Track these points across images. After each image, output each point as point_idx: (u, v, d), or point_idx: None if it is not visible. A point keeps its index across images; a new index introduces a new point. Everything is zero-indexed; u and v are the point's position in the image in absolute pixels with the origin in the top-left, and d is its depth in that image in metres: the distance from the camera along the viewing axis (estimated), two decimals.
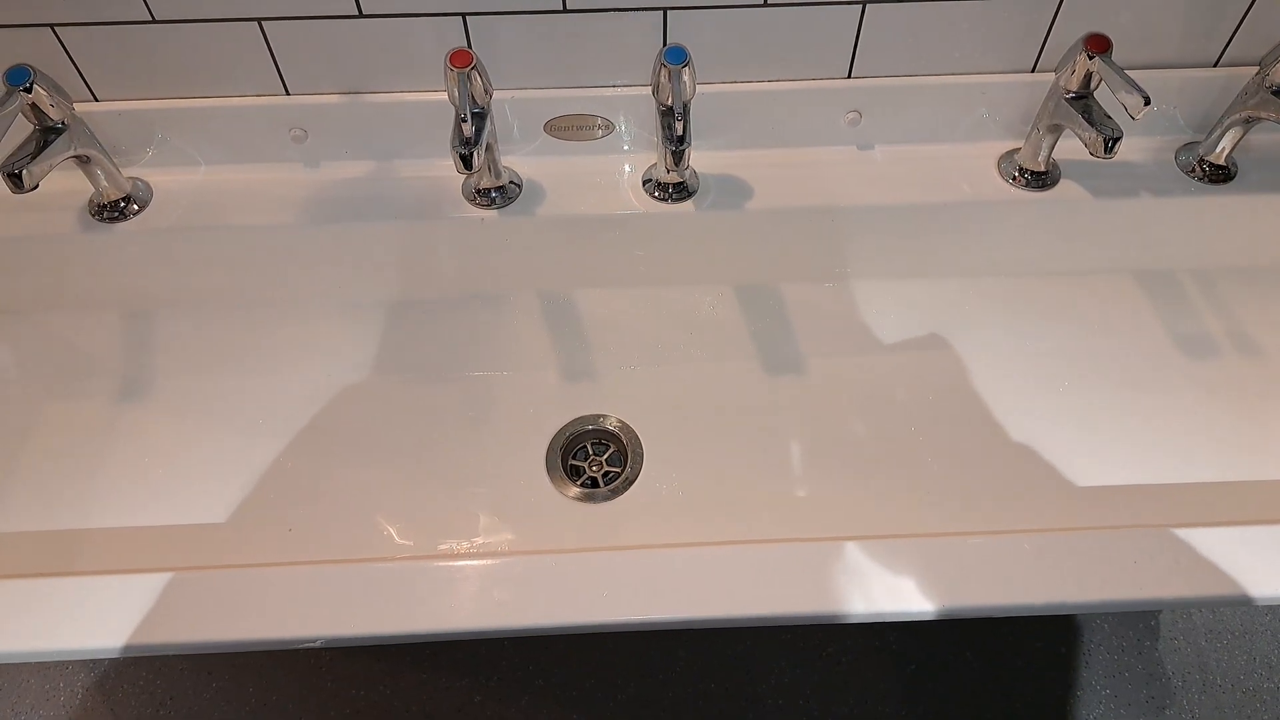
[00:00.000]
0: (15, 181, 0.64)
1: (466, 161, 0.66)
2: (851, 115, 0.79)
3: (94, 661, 1.30)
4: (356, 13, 0.70)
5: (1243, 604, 0.59)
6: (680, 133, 0.67)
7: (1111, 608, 0.59)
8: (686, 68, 0.67)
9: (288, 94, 0.75)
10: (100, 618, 0.56)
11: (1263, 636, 1.28)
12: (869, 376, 0.82)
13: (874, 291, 0.84)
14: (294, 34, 0.71)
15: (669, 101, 0.68)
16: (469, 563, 0.60)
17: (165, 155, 0.79)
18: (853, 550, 0.60)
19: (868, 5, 0.72)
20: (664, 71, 0.68)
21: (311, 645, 0.58)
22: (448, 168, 0.79)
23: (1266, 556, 0.59)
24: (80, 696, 1.27)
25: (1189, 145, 0.81)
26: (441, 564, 0.59)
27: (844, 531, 0.62)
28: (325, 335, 0.82)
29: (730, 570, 0.59)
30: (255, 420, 0.80)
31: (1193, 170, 0.80)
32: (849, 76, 0.77)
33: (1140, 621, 1.30)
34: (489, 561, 0.60)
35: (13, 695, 1.27)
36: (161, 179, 0.79)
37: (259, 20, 0.70)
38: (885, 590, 0.57)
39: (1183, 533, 0.60)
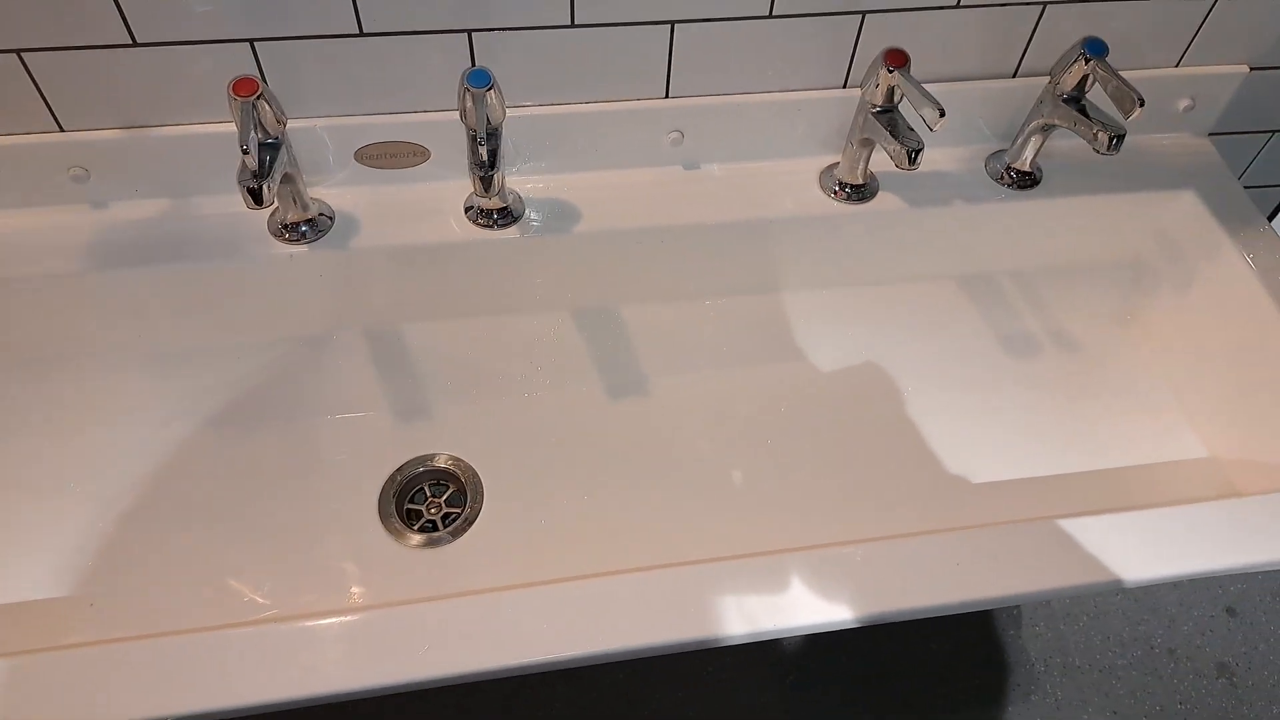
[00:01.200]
0: None
1: (255, 196, 0.61)
2: (674, 135, 0.78)
3: None
4: (130, 41, 0.65)
5: (1115, 590, 0.60)
6: (485, 158, 0.64)
7: (977, 606, 0.59)
8: (491, 90, 0.65)
9: (62, 130, 0.69)
10: None
11: (1114, 616, 1.34)
12: (711, 394, 0.82)
13: (707, 309, 0.84)
14: (62, 65, 0.65)
15: (474, 126, 0.66)
16: (302, 624, 0.56)
17: None
18: (711, 572, 0.59)
19: (676, 25, 0.71)
20: (468, 95, 0.65)
21: None
22: None
23: (1124, 541, 0.61)
24: None
25: (997, 154, 0.84)
26: (282, 626, 0.55)
27: (697, 554, 0.61)
28: (128, 390, 0.76)
29: (590, 604, 0.57)
30: (53, 486, 0.73)
31: (1001, 177, 0.82)
32: (667, 96, 0.77)
33: (1004, 611, 1.34)
34: (325, 621, 0.56)
35: None
36: None
37: (18, 51, 0.64)
38: (750, 609, 0.57)
39: (1045, 525, 0.61)
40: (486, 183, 0.64)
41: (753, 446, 0.79)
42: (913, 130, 0.70)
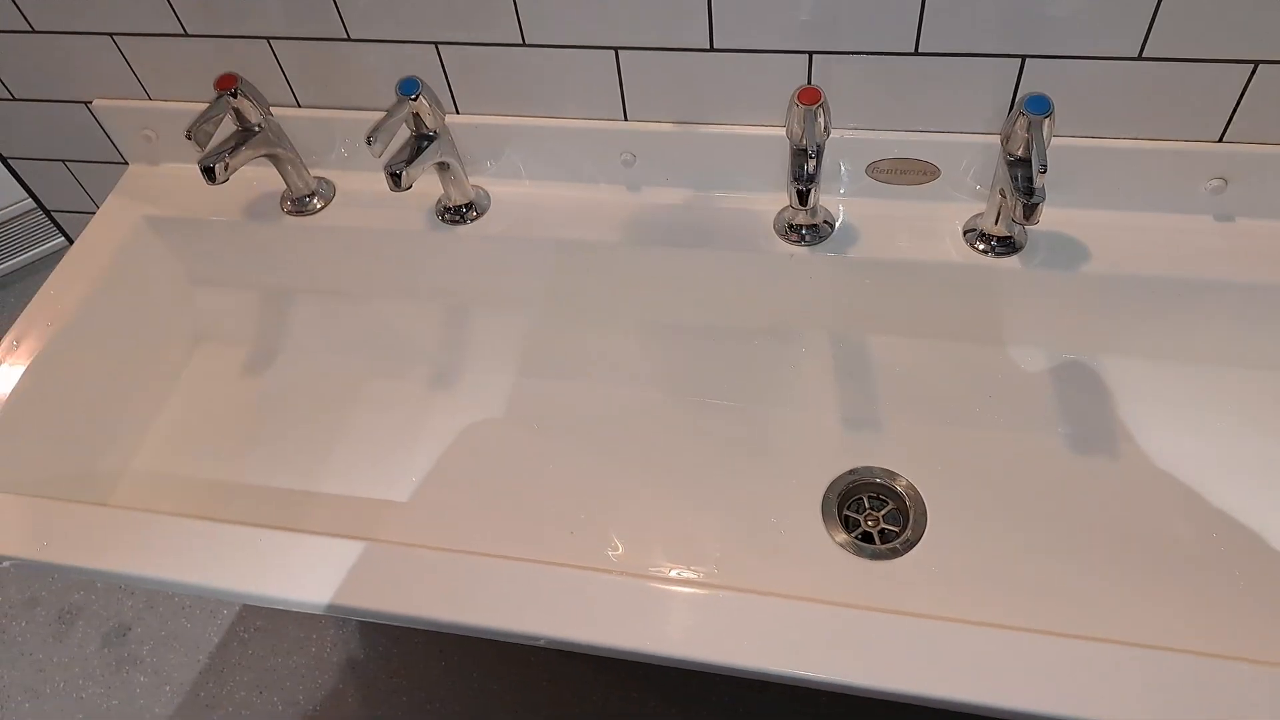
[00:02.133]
0: (395, 180, 0.71)
1: (803, 198, 0.66)
2: (1216, 182, 0.72)
3: (342, 622, 1.41)
4: (708, 46, 0.72)
5: None
6: (1037, 185, 0.63)
7: None
8: (1049, 118, 0.64)
9: (626, 120, 0.79)
10: (340, 579, 0.62)
11: None
12: (1190, 473, 0.74)
13: (1208, 377, 0.75)
14: (644, 63, 0.75)
15: (1021, 152, 0.65)
16: (708, 592, 0.60)
17: (506, 167, 0.85)
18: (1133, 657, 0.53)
19: (1260, 65, 0.65)
20: (1022, 120, 0.64)
21: (535, 643, 0.60)
22: (763, 201, 0.80)
23: None
24: (328, 650, 1.39)
25: None
26: (692, 591, 0.60)
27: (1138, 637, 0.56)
28: (623, 349, 0.85)
29: (1015, 658, 0.54)
30: (546, 420, 0.84)
31: None
32: (1220, 140, 0.70)
33: None
34: (726, 594, 0.59)
35: (274, 637, 1.41)
36: (500, 189, 0.85)
37: (616, 49, 0.74)
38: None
39: None
40: (1029, 211, 0.63)
41: (1222, 541, 0.70)
42: None
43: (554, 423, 0.84)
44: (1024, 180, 0.64)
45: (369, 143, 0.70)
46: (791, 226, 0.78)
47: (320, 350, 0.91)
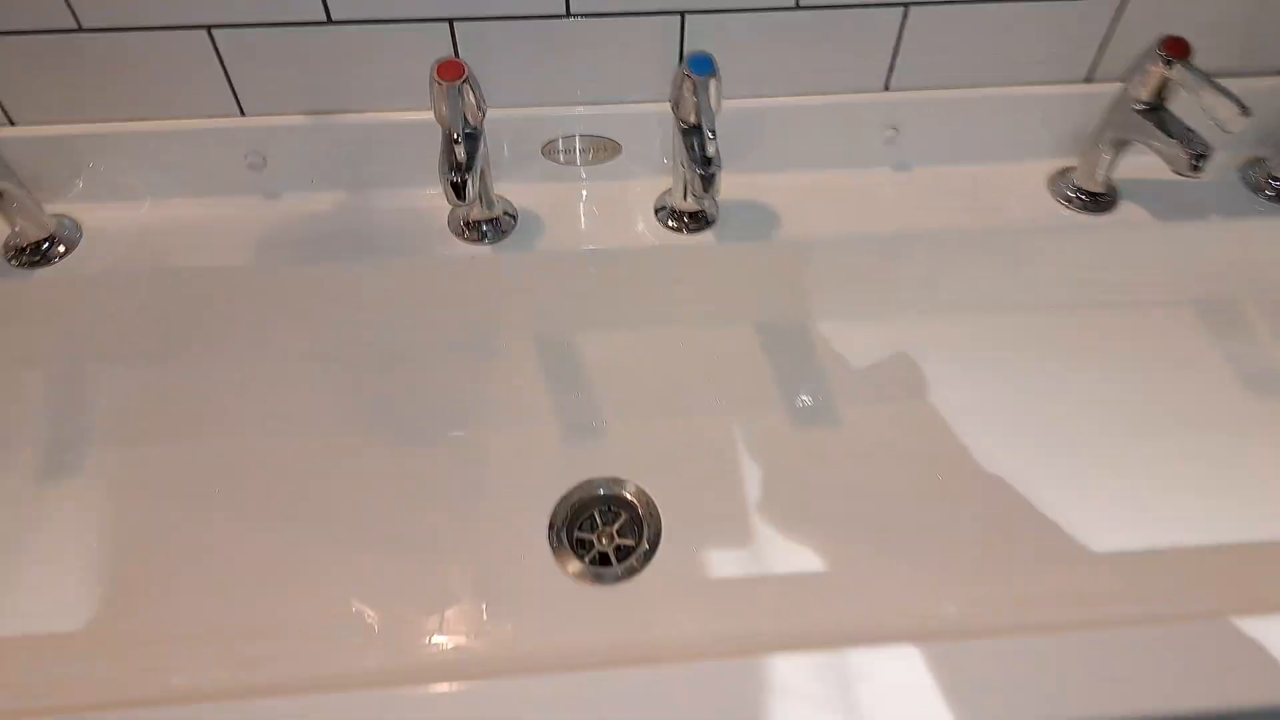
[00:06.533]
0: None
1: (459, 191, 0.56)
2: (889, 132, 0.70)
3: None
4: (324, 19, 0.60)
5: None
6: (710, 154, 0.57)
7: None
8: (714, 78, 0.58)
9: (242, 114, 0.65)
10: None
11: None
12: (914, 428, 0.72)
13: (914, 329, 0.75)
14: (250, 44, 0.61)
15: (693, 118, 0.59)
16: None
17: (97, 187, 0.67)
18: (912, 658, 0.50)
19: (911, 7, 0.63)
20: (687, 83, 0.58)
21: None
22: (431, 198, 0.69)
23: None
24: None
25: (1256, 161, 0.74)
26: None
27: (894, 627, 0.54)
28: (288, 392, 0.71)
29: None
30: (205, 494, 0.68)
31: (1262, 188, 0.72)
32: (886, 89, 0.68)
33: None
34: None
35: None
36: (93, 215, 0.68)
37: (208, 28, 0.59)
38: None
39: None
40: (708, 182, 0.57)
41: (963, 500, 0.69)
42: (1193, 130, 0.60)
43: (217, 494, 0.68)
44: (698, 149, 0.58)
45: None
46: (469, 224, 0.68)
47: None
